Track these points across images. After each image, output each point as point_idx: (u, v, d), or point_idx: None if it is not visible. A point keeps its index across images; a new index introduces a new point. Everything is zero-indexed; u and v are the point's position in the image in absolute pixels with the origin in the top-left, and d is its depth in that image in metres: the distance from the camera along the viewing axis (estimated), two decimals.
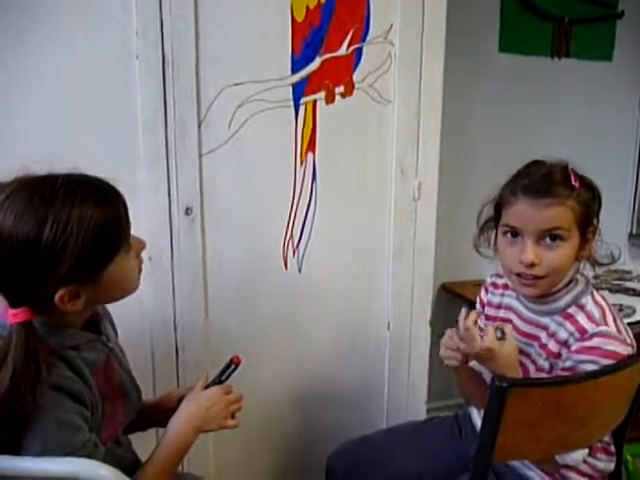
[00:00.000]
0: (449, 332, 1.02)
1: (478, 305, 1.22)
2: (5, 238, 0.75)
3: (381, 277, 1.50)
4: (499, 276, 1.19)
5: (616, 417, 1.02)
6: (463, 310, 1.01)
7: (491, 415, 0.89)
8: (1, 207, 0.76)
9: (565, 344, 1.00)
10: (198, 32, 1.23)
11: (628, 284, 2.21)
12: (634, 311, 1.88)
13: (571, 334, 1.00)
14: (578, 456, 0.97)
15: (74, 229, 0.76)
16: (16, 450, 0.77)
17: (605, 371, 0.92)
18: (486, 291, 1.21)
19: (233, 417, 1.01)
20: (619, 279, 2.26)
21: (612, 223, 2.43)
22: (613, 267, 2.33)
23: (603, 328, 0.97)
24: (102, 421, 0.86)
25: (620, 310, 1.88)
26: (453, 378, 1.18)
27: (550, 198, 0.98)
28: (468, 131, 2.09)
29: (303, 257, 1.42)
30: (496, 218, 1.07)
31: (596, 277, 2.26)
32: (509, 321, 1.13)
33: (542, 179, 1.00)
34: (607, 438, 1.07)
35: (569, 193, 0.98)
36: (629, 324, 1.74)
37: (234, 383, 1.04)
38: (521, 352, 1.07)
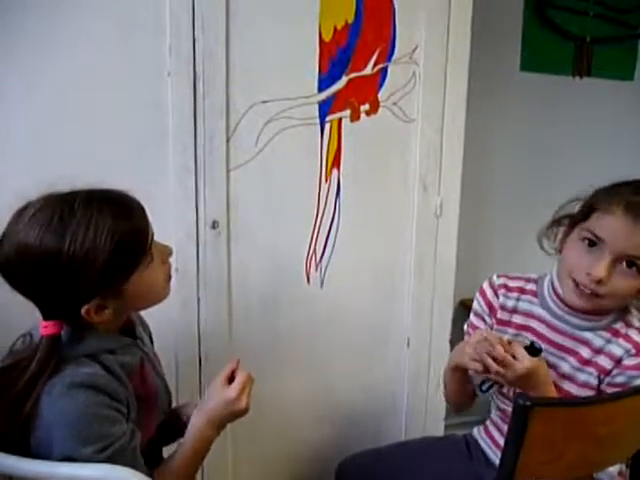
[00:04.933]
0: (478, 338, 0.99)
1: (484, 307, 1.16)
2: (29, 253, 0.79)
3: (402, 293, 1.52)
4: (508, 277, 1.15)
5: None
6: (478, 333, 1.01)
7: (514, 434, 0.89)
8: (27, 223, 0.80)
9: (619, 361, 0.99)
10: (229, 50, 1.26)
11: None
12: None
13: (627, 350, 0.99)
14: (614, 470, 0.97)
15: (92, 242, 0.79)
16: (26, 448, 0.81)
17: (629, 392, 0.92)
18: (495, 293, 1.15)
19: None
20: None
21: None
22: None
23: None
24: (137, 421, 0.89)
25: None
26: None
27: None
28: (489, 149, 2.10)
29: (325, 272, 1.44)
30: (580, 219, 1.02)
31: None
32: (526, 328, 1.11)
33: None
34: None
35: None
36: None
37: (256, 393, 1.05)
38: (547, 364, 1.04)
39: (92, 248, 0.79)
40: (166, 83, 1.24)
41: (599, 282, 0.96)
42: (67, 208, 0.80)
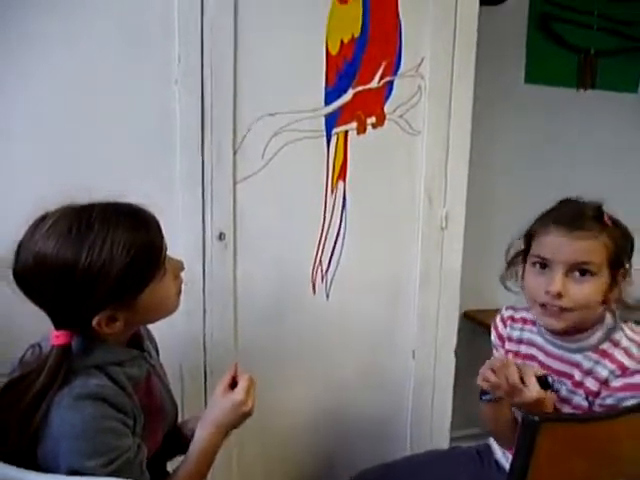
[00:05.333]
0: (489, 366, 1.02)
1: (496, 339, 1.21)
2: (46, 263, 0.79)
3: (407, 305, 1.52)
4: (515, 309, 1.19)
5: None
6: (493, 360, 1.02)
7: (522, 450, 0.89)
8: (45, 234, 0.80)
9: (605, 382, 1.00)
10: (237, 61, 1.28)
11: None
12: None
13: (611, 372, 0.99)
14: None
15: (108, 255, 0.80)
16: (33, 459, 0.81)
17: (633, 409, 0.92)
18: (504, 324, 1.20)
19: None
20: None
21: None
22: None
23: None
24: (143, 434, 0.89)
25: None
26: (477, 407, 1.18)
27: (583, 231, 0.98)
28: (494, 160, 2.11)
29: (331, 283, 1.44)
30: (525, 250, 1.08)
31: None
32: (532, 357, 1.13)
33: (575, 213, 1.01)
34: None
35: (601, 229, 0.99)
36: None
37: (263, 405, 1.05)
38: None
39: (108, 260, 0.80)
40: (174, 93, 1.25)
41: (559, 296, 0.99)
42: (85, 220, 0.81)
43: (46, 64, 1.16)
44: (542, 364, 1.11)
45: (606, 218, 1.01)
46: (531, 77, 2.13)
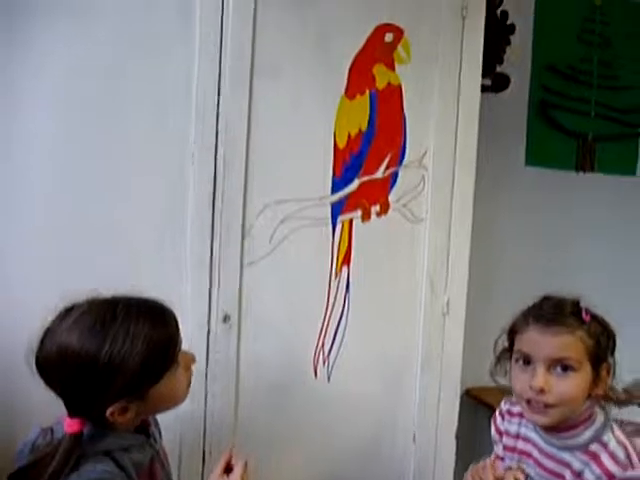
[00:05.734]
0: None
1: (495, 434, 1.21)
2: (69, 355, 0.84)
3: (409, 389, 1.52)
4: (512, 403, 1.19)
5: None
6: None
7: None
8: (71, 325, 0.86)
9: None
10: (248, 153, 1.34)
11: None
12: None
13: (598, 477, 0.99)
14: None
15: (129, 349, 0.84)
16: None
17: None
18: (502, 418, 1.19)
19: None
20: None
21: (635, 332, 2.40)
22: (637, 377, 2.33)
23: (630, 473, 0.97)
24: None
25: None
26: None
27: (560, 327, 1.01)
28: (496, 240, 2.15)
29: (333, 366, 1.45)
30: (510, 346, 1.10)
31: (625, 390, 2.24)
32: (528, 454, 1.13)
33: (553, 309, 1.04)
34: None
35: (579, 325, 1.01)
36: None
37: None
38: None
39: (127, 356, 0.84)
40: (188, 178, 1.31)
41: (542, 392, 0.99)
42: (109, 314, 0.86)
43: (66, 141, 1.23)
44: (537, 461, 1.10)
45: (584, 314, 1.03)
46: (531, 160, 2.21)
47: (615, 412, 1.10)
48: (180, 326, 0.96)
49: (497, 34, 2.13)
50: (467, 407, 2.11)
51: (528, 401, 1.03)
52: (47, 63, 1.21)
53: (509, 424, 1.18)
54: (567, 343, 1.00)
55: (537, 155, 2.21)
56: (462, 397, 2.11)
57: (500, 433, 1.20)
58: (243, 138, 1.33)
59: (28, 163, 1.22)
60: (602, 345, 1.04)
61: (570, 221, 2.25)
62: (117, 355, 0.84)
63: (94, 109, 1.24)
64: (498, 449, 1.21)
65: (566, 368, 1.00)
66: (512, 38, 2.15)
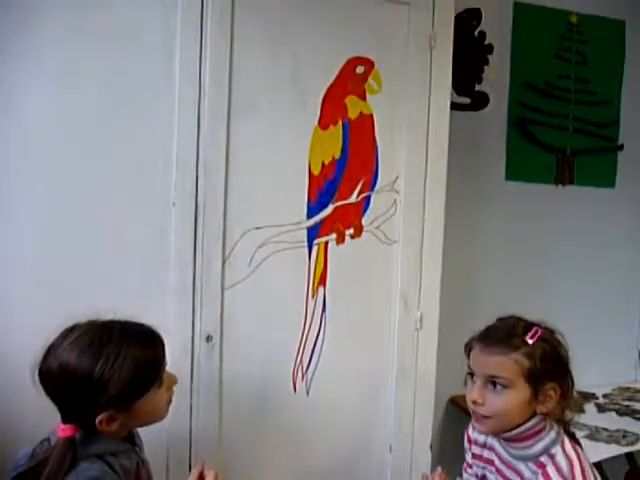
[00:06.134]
0: None
1: (466, 442, 1.30)
2: (67, 371, 0.97)
3: (385, 402, 1.61)
4: None
5: None
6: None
7: None
8: (72, 344, 0.99)
9: None
10: (227, 184, 1.43)
11: (638, 405, 2.22)
12: (637, 438, 1.90)
13: None
14: None
15: (118, 367, 0.98)
16: None
17: None
18: (473, 428, 1.29)
19: None
20: (629, 399, 2.28)
21: (622, 340, 2.48)
22: (624, 385, 2.39)
23: None
24: None
25: (624, 437, 1.91)
26: None
27: (495, 347, 1.10)
28: (477, 254, 2.22)
29: (311, 381, 1.54)
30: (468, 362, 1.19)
31: (605, 396, 2.30)
32: (492, 462, 1.21)
33: (498, 330, 1.14)
34: None
35: (518, 347, 1.09)
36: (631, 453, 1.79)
37: None
38: None
39: (117, 372, 0.97)
40: (171, 212, 1.39)
41: (476, 404, 1.10)
42: (105, 336, 1.00)
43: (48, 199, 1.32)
44: (497, 469, 1.20)
45: (529, 336, 1.11)
46: (511, 175, 2.28)
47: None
48: (166, 348, 1.08)
49: (475, 54, 2.21)
50: (452, 414, 2.19)
51: (473, 411, 1.14)
52: (29, 112, 1.30)
53: (479, 435, 1.27)
54: (500, 363, 1.09)
55: (517, 170, 2.28)
56: (447, 405, 2.20)
57: (470, 442, 1.30)
58: (222, 169, 1.42)
59: (21, 210, 1.31)
60: (544, 368, 1.10)
61: (549, 234, 2.32)
62: (108, 372, 0.97)
63: (81, 153, 1.33)
64: (468, 457, 1.31)
65: (500, 385, 1.09)
66: (490, 58, 2.23)
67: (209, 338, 1.43)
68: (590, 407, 2.19)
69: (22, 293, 1.31)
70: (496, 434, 1.15)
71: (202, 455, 1.44)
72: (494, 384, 1.10)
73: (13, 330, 1.29)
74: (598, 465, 1.78)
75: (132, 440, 1.11)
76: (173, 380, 1.12)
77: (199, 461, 1.42)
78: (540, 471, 1.10)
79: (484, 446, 1.26)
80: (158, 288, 1.40)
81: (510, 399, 1.09)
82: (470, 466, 1.31)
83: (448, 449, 1.91)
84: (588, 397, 2.26)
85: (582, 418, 2.05)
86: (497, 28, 2.22)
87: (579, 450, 1.13)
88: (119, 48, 1.33)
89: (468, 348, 1.19)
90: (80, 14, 1.30)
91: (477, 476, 1.27)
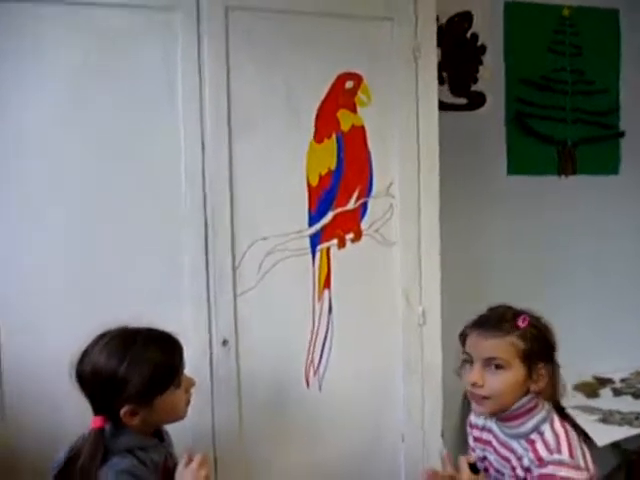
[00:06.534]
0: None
1: (468, 427, 1.40)
2: (98, 370, 1.13)
3: (394, 395, 1.71)
4: None
5: None
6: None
7: None
8: (102, 349, 1.15)
9: (529, 470, 1.17)
10: (233, 199, 1.56)
11: None
12: None
13: (532, 461, 1.16)
14: None
15: (140, 369, 1.13)
16: None
17: None
18: (474, 413, 1.39)
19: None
20: None
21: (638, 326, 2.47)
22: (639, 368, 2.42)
23: (556, 456, 1.14)
24: None
25: (637, 418, 1.96)
26: None
27: (492, 332, 1.20)
28: (482, 248, 2.29)
29: (323, 377, 1.65)
30: (463, 349, 1.28)
31: (623, 380, 2.34)
32: (489, 443, 1.31)
33: (492, 316, 1.24)
34: None
35: (511, 331, 1.20)
36: None
37: None
38: (498, 472, 1.26)
39: (139, 372, 1.12)
40: (182, 228, 1.53)
41: (477, 385, 1.19)
42: (130, 340, 1.16)
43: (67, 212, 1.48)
44: (495, 449, 1.29)
45: (520, 322, 1.21)
46: (513, 169, 2.34)
47: None
48: (185, 353, 1.23)
49: (469, 56, 2.29)
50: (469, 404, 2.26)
51: (471, 394, 1.23)
52: (57, 140, 1.46)
53: (477, 419, 1.38)
54: (497, 345, 1.20)
55: (518, 164, 2.34)
56: (464, 395, 2.28)
57: (471, 426, 1.40)
58: (227, 186, 1.55)
59: (42, 233, 1.46)
60: (535, 348, 1.21)
61: (555, 225, 2.37)
62: (131, 371, 1.12)
63: (100, 178, 1.48)
64: (470, 440, 1.40)
65: (498, 366, 1.19)
66: (484, 58, 2.30)
67: (225, 342, 1.56)
68: (606, 391, 2.24)
69: (56, 304, 1.46)
70: (495, 414, 1.24)
71: (225, 450, 1.57)
72: (492, 366, 1.20)
73: (48, 336, 1.44)
74: (617, 445, 1.85)
75: (160, 436, 1.25)
76: (191, 383, 1.26)
77: (222, 455, 1.58)
78: (530, 447, 1.19)
79: (483, 429, 1.36)
80: (176, 299, 1.53)
81: (507, 379, 1.19)
82: (473, 449, 1.40)
83: (465, 437, 1.99)
84: (605, 382, 2.30)
85: (597, 402, 2.13)
86: (489, 28, 2.29)
87: (567, 427, 1.22)
88: (128, 83, 1.48)
89: (463, 336, 1.29)
90: (93, 55, 1.46)
91: (479, 457, 1.37)
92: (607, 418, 1.95)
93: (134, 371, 1.12)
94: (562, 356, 2.16)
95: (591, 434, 1.81)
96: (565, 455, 1.14)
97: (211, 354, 1.56)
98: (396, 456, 1.72)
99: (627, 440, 1.89)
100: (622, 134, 2.44)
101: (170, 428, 1.33)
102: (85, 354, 1.16)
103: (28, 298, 1.44)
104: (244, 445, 1.59)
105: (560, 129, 2.38)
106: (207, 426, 1.57)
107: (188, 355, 1.42)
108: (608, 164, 2.45)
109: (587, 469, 1.14)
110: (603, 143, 2.44)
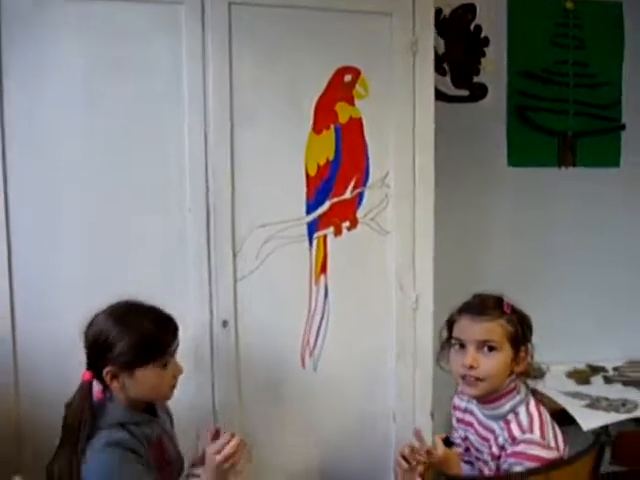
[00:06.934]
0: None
1: (452, 409, 1.48)
2: (95, 330, 1.24)
3: (387, 376, 1.78)
4: None
5: None
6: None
7: None
8: (104, 313, 1.26)
9: (503, 448, 1.24)
10: (234, 188, 1.63)
11: None
12: (635, 406, 2.00)
13: (506, 440, 1.24)
14: None
15: (129, 335, 1.21)
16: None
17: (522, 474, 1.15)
18: (458, 397, 1.47)
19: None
20: (637, 371, 2.36)
21: (636, 317, 2.52)
22: (633, 357, 2.47)
23: (528, 436, 1.21)
24: None
25: (623, 405, 2.01)
26: None
27: (485, 316, 1.28)
28: (483, 239, 2.34)
29: (318, 358, 1.73)
30: (449, 335, 1.36)
31: (615, 369, 2.39)
32: (471, 424, 1.38)
33: (480, 302, 1.32)
34: None
35: (500, 314, 1.29)
36: (631, 420, 1.91)
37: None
38: (478, 451, 1.33)
39: (127, 337, 1.21)
40: (186, 217, 1.61)
41: (472, 368, 1.27)
42: (131, 310, 1.26)
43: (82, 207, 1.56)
44: (475, 430, 1.37)
45: (505, 306, 1.28)
46: (513, 161, 2.39)
47: None
48: (186, 334, 1.33)
49: (472, 48, 2.33)
50: None
51: (463, 377, 1.30)
52: (66, 135, 1.54)
53: (460, 401, 1.47)
54: (490, 328, 1.28)
55: (519, 156, 2.39)
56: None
57: (455, 408, 1.48)
58: (228, 175, 1.62)
59: (59, 216, 1.55)
60: (520, 331, 1.29)
61: (554, 215, 2.41)
62: (120, 335, 1.21)
63: (108, 171, 1.57)
64: (454, 421, 1.48)
65: (491, 348, 1.27)
66: (487, 50, 2.34)
67: (225, 323, 1.64)
68: (598, 379, 2.30)
69: (69, 282, 1.55)
70: (485, 396, 1.31)
71: (226, 424, 1.66)
72: (485, 348, 1.27)
73: (61, 313, 1.52)
74: (605, 429, 1.91)
75: (153, 413, 1.32)
76: (179, 370, 1.30)
77: (223, 428, 1.66)
78: (505, 427, 1.26)
79: (465, 411, 1.44)
80: (179, 282, 1.62)
81: (499, 360, 1.27)
82: (456, 430, 1.48)
83: None
84: (597, 370, 2.35)
85: (587, 389, 2.19)
86: (492, 20, 2.32)
87: (542, 409, 1.29)
88: (135, 77, 1.56)
89: (450, 322, 1.36)
90: (101, 48, 1.53)
91: (461, 438, 1.44)
92: (594, 404, 2.00)
93: (123, 335, 1.21)
94: (559, 345, 2.25)
95: (578, 419, 1.88)
96: (536, 435, 1.21)
97: (212, 334, 1.64)
98: (387, 435, 1.80)
99: (614, 425, 1.95)
100: (623, 127, 2.47)
101: (172, 403, 1.42)
102: (93, 321, 1.26)
103: (43, 276, 1.53)
104: (243, 419, 1.68)
105: (561, 121, 2.41)
106: (208, 401, 1.66)
107: (189, 335, 1.52)
108: (609, 156, 2.48)
109: (557, 449, 1.21)
110: (604, 136, 2.47)
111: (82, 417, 1.20)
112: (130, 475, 1.17)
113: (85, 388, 1.23)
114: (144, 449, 1.22)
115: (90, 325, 1.26)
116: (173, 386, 1.30)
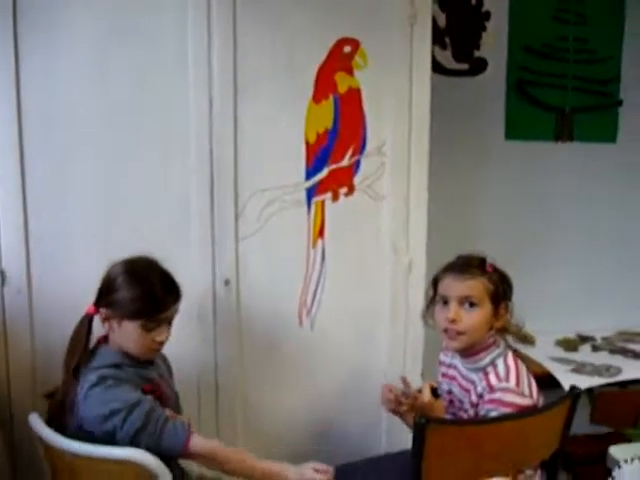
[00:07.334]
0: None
1: (438, 364, 1.57)
2: (111, 278, 1.35)
3: (379, 335, 1.88)
4: None
5: (530, 455, 1.33)
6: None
7: (415, 445, 1.24)
8: (124, 263, 1.36)
9: (481, 396, 1.34)
10: (237, 153, 1.71)
11: (632, 346, 2.38)
12: (619, 371, 2.09)
13: (484, 388, 1.34)
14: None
15: (133, 286, 1.32)
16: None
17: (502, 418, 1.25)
18: (443, 353, 1.56)
19: None
20: (625, 340, 2.44)
21: (628, 289, 2.60)
22: (623, 329, 2.55)
23: (503, 384, 1.30)
24: None
25: (607, 370, 2.10)
26: None
27: (467, 274, 1.38)
28: (479, 211, 2.42)
29: (315, 317, 1.83)
30: (434, 293, 1.45)
31: (604, 339, 2.47)
32: (454, 377, 1.48)
33: (463, 262, 1.42)
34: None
35: (481, 273, 1.38)
36: (612, 384, 2.00)
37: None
38: (460, 402, 1.43)
39: (130, 288, 1.32)
40: (190, 179, 1.69)
41: (454, 322, 1.36)
42: (141, 263, 1.37)
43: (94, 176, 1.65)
44: (458, 382, 1.47)
45: (487, 266, 1.37)
46: (511, 134, 2.44)
47: None
48: (189, 295, 1.42)
49: (472, 22, 2.37)
50: None
51: (446, 330, 1.39)
52: (74, 98, 1.62)
53: (445, 356, 1.56)
54: (472, 285, 1.37)
55: (516, 129, 2.44)
56: None
57: (440, 363, 1.58)
58: (232, 141, 1.70)
59: (74, 175, 1.64)
60: (500, 289, 1.38)
61: (549, 189, 2.48)
62: (124, 284, 1.32)
63: (118, 131, 1.64)
64: (439, 376, 1.57)
65: (472, 304, 1.36)
66: (488, 24, 2.38)
67: (227, 282, 1.74)
68: (586, 347, 2.39)
69: (83, 243, 1.63)
70: (465, 349, 1.40)
71: (226, 377, 1.77)
72: (467, 304, 1.37)
73: (74, 268, 1.62)
74: (590, 391, 2.00)
75: (151, 362, 1.41)
76: (162, 338, 1.35)
77: (223, 383, 1.77)
78: (484, 377, 1.36)
79: (449, 366, 1.53)
80: (184, 242, 1.71)
81: (480, 315, 1.37)
82: (441, 384, 1.57)
83: None
84: (586, 339, 2.44)
85: (574, 355, 2.28)
86: None
87: (519, 362, 1.38)
88: (142, 45, 1.62)
89: (435, 280, 1.45)
90: (110, 19, 1.59)
91: (446, 391, 1.54)
92: (579, 369, 2.10)
93: (126, 286, 1.31)
94: (551, 314, 2.33)
95: (562, 382, 1.97)
96: (512, 383, 1.31)
97: (214, 293, 1.74)
98: (379, 392, 1.89)
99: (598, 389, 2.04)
100: (620, 103, 2.51)
101: (177, 356, 1.54)
102: (113, 266, 1.37)
103: (58, 230, 1.62)
104: (244, 374, 1.79)
105: (560, 96, 2.46)
106: (210, 356, 1.76)
107: (193, 293, 1.62)
108: (606, 132, 2.53)
109: (531, 397, 1.31)
110: (602, 111, 2.51)
111: (77, 345, 1.33)
112: (124, 394, 1.26)
113: (86, 319, 1.36)
114: (137, 384, 1.31)
115: (110, 267, 1.37)
116: (151, 350, 1.36)
